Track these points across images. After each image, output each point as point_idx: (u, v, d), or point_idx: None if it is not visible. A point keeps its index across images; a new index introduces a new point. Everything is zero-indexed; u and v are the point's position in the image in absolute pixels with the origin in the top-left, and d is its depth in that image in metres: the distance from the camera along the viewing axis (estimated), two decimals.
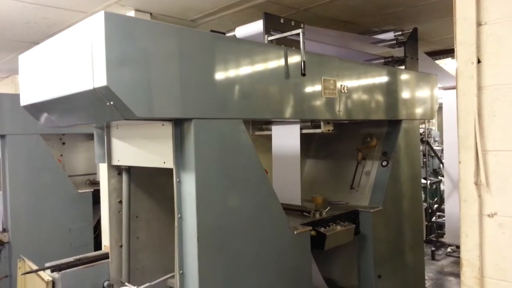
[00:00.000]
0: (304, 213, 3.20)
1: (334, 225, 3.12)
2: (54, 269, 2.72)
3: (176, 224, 2.22)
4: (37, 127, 4.81)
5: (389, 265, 3.55)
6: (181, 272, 2.21)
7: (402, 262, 3.75)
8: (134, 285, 2.61)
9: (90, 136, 5.39)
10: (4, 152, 4.71)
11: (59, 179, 5.02)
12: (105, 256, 2.85)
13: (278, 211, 2.61)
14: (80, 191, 5.22)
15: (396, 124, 3.76)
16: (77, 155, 5.93)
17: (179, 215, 2.21)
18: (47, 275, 2.68)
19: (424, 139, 7.40)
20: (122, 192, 2.78)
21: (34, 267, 2.89)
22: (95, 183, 5.53)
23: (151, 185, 2.94)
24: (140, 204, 2.87)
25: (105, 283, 2.79)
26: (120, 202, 2.78)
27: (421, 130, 7.37)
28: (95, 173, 5.81)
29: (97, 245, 5.12)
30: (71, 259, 2.87)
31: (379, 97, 3.43)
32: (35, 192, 4.83)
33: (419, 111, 3.97)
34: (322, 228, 3.01)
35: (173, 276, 2.95)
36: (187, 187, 2.19)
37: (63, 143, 5.75)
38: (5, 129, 4.66)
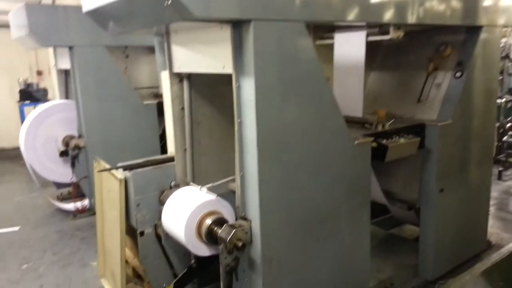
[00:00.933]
0: (366, 125, 3.11)
1: (397, 137, 3.01)
2: (126, 168, 2.94)
3: (236, 128, 2.25)
4: (102, 39, 4.97)
5: (453, 180, 3.44)
6: (241, 174, 2.28)
7: (466, 178, 3.61)
8: (198, 185, 2.77)
9: (152, 50, 5.47)
10: (73, 62, 4.95)
11: (125, 90, 5.25)
12: (171, 159, 3.01)
13: (339, 120, 2.55)
14: (145, 102, 5.45)
15: (475, 31, 3.38)
16: (141, 67, 6.09)
17: (239, 120, 2.23)
18: (120, 173, 2.91)
19: (503, 54, 6.68)
20: (184, 99, 2.84)
21: (107, 166, 3.14)
22: (159, 96, 5.72)
23: (212, 93, 2.97)
24: (201, 111, 2.94)
25: (172, 183, 2.99)
26: (183, 109, 2.86)
27: (501, 44, 6.63)
28: (158, 86, 5.99)
29: (164, 153, 5.43)
30: (140, 160, 3.07)
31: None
32: (104, 102, 5.12)
33: (502, 17, 3.52)
34: (384, 140, 2.93)
35: (233, 180, 3.10)
36: (247, 92, 2.17)
37: (127, 56, 5.90)
38: (72, 40, 4.84)
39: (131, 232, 3.06)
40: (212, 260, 2.59)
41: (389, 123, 3.16)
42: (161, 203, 2.92)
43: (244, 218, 2.34)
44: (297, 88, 2.30)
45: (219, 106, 3.02)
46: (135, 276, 3.40)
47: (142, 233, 2.95)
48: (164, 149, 5.48)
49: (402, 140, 3.00)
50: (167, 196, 2.86)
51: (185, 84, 2.83)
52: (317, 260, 2.61)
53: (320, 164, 2.50)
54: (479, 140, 3.66)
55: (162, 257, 3.06)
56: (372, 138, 2.78)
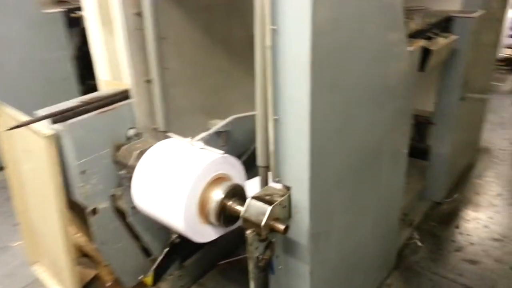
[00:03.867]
0: None
1: (434, 37, 2.25)
2: (55, 119, 1.84)
3: (258, 44, 1.30)
4: None
5: (474, 85, 2.87)
6: (276, 118, 1.38)
7: (483, 83, 3.07)
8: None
9: None
10: None
11: None
12: (122, 97, 1.96)
13: (399, 24, 1.70)
14: (45, 11, 3.93)
15: None
16: None
17: (273, 27, 1.26)
18: (45, 127, 1.82)
19: None
20: None
21: (19, 117, 2.00)
22: (64, 1, 4.20)
23: None
24: (167, 18, 1.86)
25: (130, 131, 1.98)
26: (139, 15, 1.75)
27: None
28: None
29: (83, 81, 4.15)
30: (73, 102, 1.96)
31: None
32: None
33: None
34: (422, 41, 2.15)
35: (219, 117, 2.17)
36: None
37: None
38: None
39: (73, 206, 2.08)
40: None
41: (417, 17, 2.36)
42: (119, 164, 1.94)
43: (280, 184, 1.51)
44: None
45: (191, 10, 1.96)
46: (83, 255, 2.49)
47: (94, 211, 1.99)
48: (84, 77, 4.19)
49: (441, 40, 2.25)
50: (129, 153, 1.89)
51: None
52: (363, 215, 1.93)
53: (377, 84, 1.68)
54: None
55: (129, 238, 2.16)
56: (423, 40, 1.99)
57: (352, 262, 1.96)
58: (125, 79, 1.97)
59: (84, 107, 1.92)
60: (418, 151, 2.99)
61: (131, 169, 1.84)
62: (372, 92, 1.66)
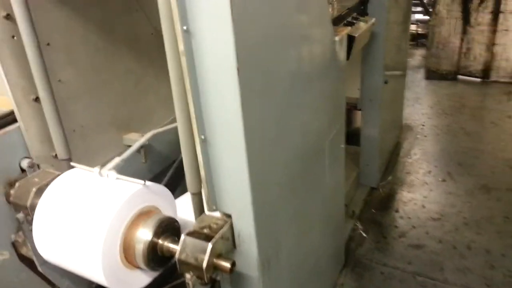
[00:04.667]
0: None
1: (354, 21, 2.13)
2: None
3: (170, 49, 1.03)
4: None
5: (393, 68, 2.85)
6: (202, 137, 1.13)
7: (399, 63, 3.08)
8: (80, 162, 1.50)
9: None
10: None
11: None
12: (9, 120, 1.57)
13: (324, 11, 1.51)
14: None
15: None
16: None
17: (184, 27, 1.00)
18: None
19: None
20: None
21: None
22: None
23: None
24: (49, 19, 1.49)
25: (24, 162, 1.60)
26: (8, 17, 1.37)
27: None
28: None
29: None
30: None
31: None
32: None
33: None
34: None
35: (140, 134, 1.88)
36: None
37: None
38: None
39: None
40: None
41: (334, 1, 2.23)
42: (15, 205, 1.56)
43: (217, 213, 1.26)
44: None
45: (79, 5, 1.60)
46: None
47: None
48: None
49: (362, 24, 2.14)
50: (25, 191, 1.52)
51: None
52: (311, 221, 1.77)
53: (309, 81, 1.49)
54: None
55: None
56: (348, 28, 1.84)
57: (305, 273, 1.79)
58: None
59: None
60: (348, 137, 2.93)
61: (30, 210, 1.47)
62: (305, 91, 1.48)
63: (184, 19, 0.99)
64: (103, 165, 1.41)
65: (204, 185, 1.20)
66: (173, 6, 0.97)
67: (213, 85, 1.06)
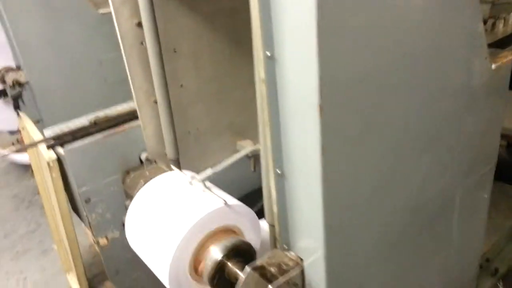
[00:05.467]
0: None
1: None
2: (57, 141, 1.67)
3: (260, 76, 0.94)
4: None
5: None
6: (279, 171, 1.03)
7: None
8: (188, 165, 1.55)
9: None
10: None
11: None
12: (133, 116, 1.74)
13: (475, 24, 1.22)
14: (101, 11, 3.89)
15: None
16: None
17: (268, 53, 0.90)
18: (47, 151, 1.65)
19: None
20: (138, 5, 1.45)
21: (33, 133, 1.87)
22: None
23: None
24: (177, 27, 1.57)
25: (143, 156, 1.75)
26: (140, 25, 1.48)
27: None
28: None
29: None
30: (82, 121, 1.78)
31: None
32: (43, 18, 3.60)
33: None
34: None
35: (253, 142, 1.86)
36: None
37: None
38: None
39: None
40: None
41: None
42: (126, 193, 1.72)
43: (291, 253, 1.15)
44: None
45: (210, 13, 1.65)
46: None
47: (103, 241, 1.80)
48: None
49: None
50: (134, 184, 1.65)
51: None
52: (420, 283, 1.49)
53: (439, 122, 1.24)
54: None
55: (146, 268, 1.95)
56: None
57: None
58: None
59: (91, 129, 1.72)
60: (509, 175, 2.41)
61: None
62: (431, 135, 1.22)
63: (269, 42, 0.90)
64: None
65: (275, 221, 1.10)
66: (257, 27, 0.89)
67: (292, 117, 0.94)
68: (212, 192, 1.32)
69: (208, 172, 1.40)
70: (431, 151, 1.24)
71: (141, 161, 1.78)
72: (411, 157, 1.19)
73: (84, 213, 1.72)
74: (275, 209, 1.07)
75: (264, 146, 1.04)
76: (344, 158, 0.98)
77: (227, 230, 1.31)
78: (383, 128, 1.06)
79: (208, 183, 1.40)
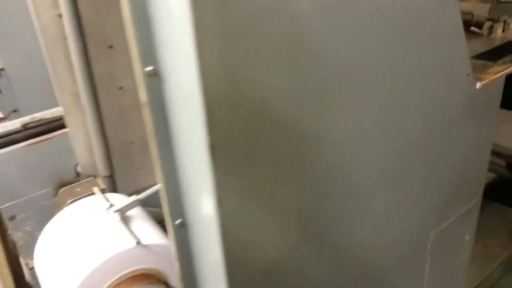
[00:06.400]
0: (473, 29, 1.46)
1: None
2: None
3: (141, 99, 0.70)
4: None
5: None
6: (177, 221, 0.78)
7: None
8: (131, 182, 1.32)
9: None
10: None
11: None
12: (59, 125, 1.51)
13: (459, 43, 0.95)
14: None
15: None
16: None
17: (149, 68, 0.66)
18: None
19: None
20: None
21: None
22: None
23: None
24: (114, 20, 1.32)
25: (79, 168, 1.52)
26: (60, 16, 1.24)
27: None
28: None
29: None
30: (15, 124, 1.55)
31: None
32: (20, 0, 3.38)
33: None
34: None
35: None
36: None
37: None
38: None
39: None
40: None
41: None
42: (55, 210, 1.49)
43: None
44: None
45: None
46: None
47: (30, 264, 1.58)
48: None
49: None
50: (62, 201, 1.43)
51: None
52: None
53: (394, 155, 0.97)
54: None
55: None
56: (506, 66, 1.19)
57: None
58: None
59: (18, 134, 1.50)
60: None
61: None
62: (392, 168, 0.96)
63: (148, 54, 0.65)
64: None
65: (181, 280, 0.86)
66: (132, 39, 0.64)
67: (186, 165, 0.70)
68: (126, 227, 1.08)
69: (132, 199, 1.16)
70: (390, 187, 0.98)
71: (76, 174, 1.56)
72: (360, 197, 0.93)
73: (8, 232, 1.50)
74: (176, 266, 0.83)
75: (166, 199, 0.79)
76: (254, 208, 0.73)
77: (148, 275, 1.08)
78: (307, 164, 0.81)
79: (133, 212, 1.17)
